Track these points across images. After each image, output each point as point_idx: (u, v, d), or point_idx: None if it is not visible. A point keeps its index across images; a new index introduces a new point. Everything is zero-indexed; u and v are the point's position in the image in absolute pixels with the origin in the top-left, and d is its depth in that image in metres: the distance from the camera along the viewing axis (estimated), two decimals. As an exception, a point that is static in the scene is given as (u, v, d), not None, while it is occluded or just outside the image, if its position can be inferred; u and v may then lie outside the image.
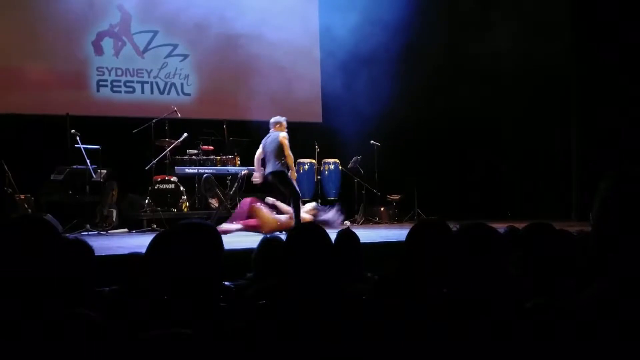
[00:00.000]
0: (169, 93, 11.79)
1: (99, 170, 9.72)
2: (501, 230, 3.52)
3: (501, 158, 13.18)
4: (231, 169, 10.86)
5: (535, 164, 12.68)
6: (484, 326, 2.11)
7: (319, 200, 11.71)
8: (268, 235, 4.02)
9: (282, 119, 9.47)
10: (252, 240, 6.40)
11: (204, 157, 10.88)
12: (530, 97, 12.36)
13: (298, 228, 2.92)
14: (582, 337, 1.69)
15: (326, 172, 11.89)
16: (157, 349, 2.05)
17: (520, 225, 3.61)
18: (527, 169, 12.83)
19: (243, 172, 10.70)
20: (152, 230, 9.60)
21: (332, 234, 3.24)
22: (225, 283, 3.51)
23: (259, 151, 9.41)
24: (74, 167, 9.64)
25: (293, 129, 12.01)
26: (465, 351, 2.11)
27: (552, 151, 12.41)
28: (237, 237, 8.40)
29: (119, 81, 11.49)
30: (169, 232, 3.05)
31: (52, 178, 9.66)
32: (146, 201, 10.15)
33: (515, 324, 2.01)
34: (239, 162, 11.00)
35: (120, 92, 11.47)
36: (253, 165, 10.97)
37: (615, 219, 1.72)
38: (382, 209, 12.06)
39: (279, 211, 9.24)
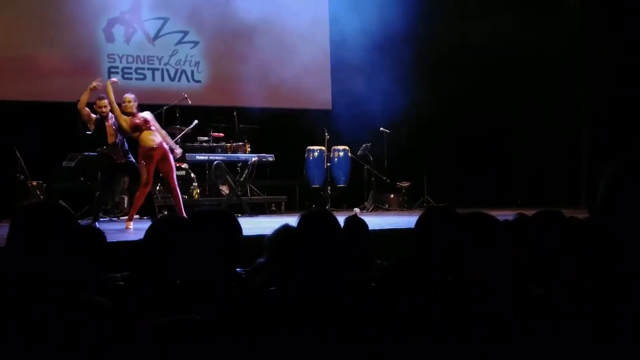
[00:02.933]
0: (179, 80, 11.81)
1: (110, 157, 9.75)
2: (511, 218, 3.54)
3: (511, 145, 13.13)
4: (241, 156, 10.89)
5: (545, 151, 12.63)
6: (486, 322, 2.12)
7: (329, 188, 11.74)
8: (288, 223, 4.01)
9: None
10: (262, 227, 6.42)
11: (215, 144, 10.93)
12: (539, 82, 12.30)
13: (308, 214, 2.92)
14: (584, 333, 1.69)
15: (336, 159, 11.89)
16: (166, 335, 2.07)
17: (529, 213, 3.62)
18: (537, 156, 12.79)
19: (253, 159, 10.73)
20: (161, 216, 9.63)
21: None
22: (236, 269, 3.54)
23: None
24: (86, 154, 9.67)
25: (303, 115, 12.07)
26: (466, 347, 2.12)
27: (561, 137, 12.36)
28: (249, 224, 8.42)
29: (130, 68, 11.52)
30: (167, 219, 3.08)
31: (63, 165, 9.70)
32: (157, 188, 10.19)
33: (518, 316, 2.02)
34: (249, 149, 11.03)
35: (131, 79, 11.49)
36: (264, 152, 11.03)
37: (619, 208, 1.68)
38: (392, 196, 12.06)
39: None
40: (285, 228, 3.89)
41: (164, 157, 8.37)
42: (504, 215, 4.23)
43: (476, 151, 12.92)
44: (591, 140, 11.54)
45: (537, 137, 12.65)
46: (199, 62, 11.95)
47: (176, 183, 8.61)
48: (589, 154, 11.55)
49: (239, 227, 2.77)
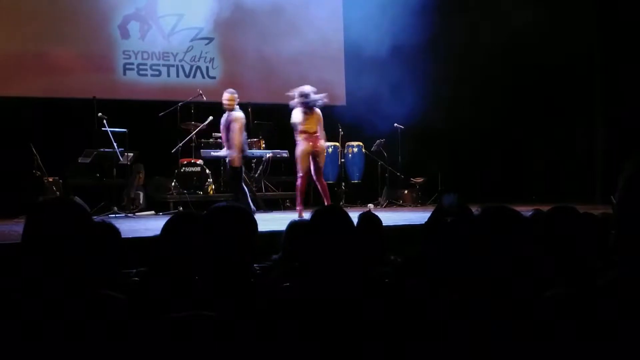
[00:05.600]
0: (194, 76, 11.84)
1: (125, 154, 9.80)
2: (527, 214, 3.52)
3: (526, 141, 13.08)
4: (256, 152, 10.90)
5: (559, 147, 12.58)
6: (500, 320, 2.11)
7: (343, 183, 11.72)
8: (296, 219, 4.03)
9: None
10: (278, 223, 6.43)
11: (229, 141, 10.93)
12: (555, 78, 12.25)
13: (321, 210, 2.93)
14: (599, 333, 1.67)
15: (350, 155, 11.89)
16: (179, 331, 2.08)
17: (544, 209, 3.60)
18: (551, 152, 12.74)
19: (268, 155, 10.74)
20: (176, 212, 9.66)
21: (354, 217, 3.24)
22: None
23: None
24: (101, 150, 9.74)
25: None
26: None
27: (576, 133, 12.31)
28: (263, 220, 8.43)
29: (145, 64, 11.55)
30: (185, 214, 3.10)
31: (79, 161, 9.77)
32: (172, 184, 10.25)
33: (534, 311, 2.01)
34: (263, 145, 11.05)
35: (146, 75, 11.53)
36: (278, 149, 11.05)
37: (638, 200, 1.66)
38: (406, 191, 12.05)
39: None
40: (293, 224, 3.90)
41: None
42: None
43: (491, 147, 12.88)
44: (607, 136, 11.49)
45: (552, 133, 12.60)
46: (213, 59, 11.97)
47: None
48: (604, 149, 11.49)
49: (254, 222, 2.78)
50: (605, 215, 4.14)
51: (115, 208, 9.46)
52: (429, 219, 3.04)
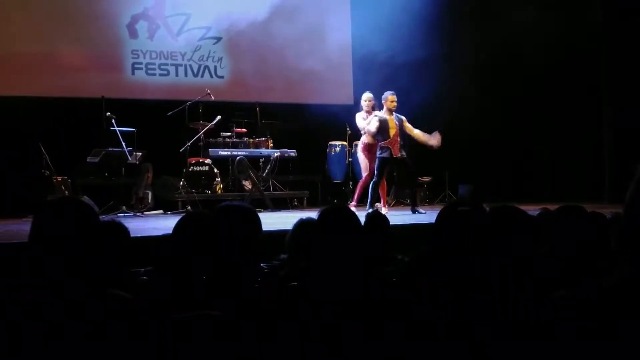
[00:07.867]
0: (202, 76, 11.86)
1: (134, 153, 9.82)
2: (535, 213, 3.52)
3: (533, 140, 13.05)
4: (264, 151, 10.91)
5: (568, 145, 12.54)
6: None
7: (350, 183, 11.72)
8: (303, 217, 4.03)
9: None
10: (285, 222, 6.43)
11: (237, 140, 10.96)
12: (561, 76, 12.22)
13: (329, 210, 2.94)
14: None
15: (357, 155, 11.87)
16: (186, 330, 2.09)
17: (553, 208, 3.59)
18: (560, 151, 12.70)
19: (276, 155, 10.75)
20: (187, 212, 9.68)
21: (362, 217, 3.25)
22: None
23: None
24: (110, 149, 9.76)
25: (325, 111, 12.08)
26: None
27: (584, 132, 12.27)
28: (271, 219, 8.44)
29: (154, 64, 11.58)
30: (196, 214, 3.11)
31: (88, 160, 9.79)
32: (181, 183, 10.26)
33: (539, 314, 2.01)
34: (271, 144, 11.05)
35: (154, 74, 11.56)
36: (286, 148, 11.06)
37: None
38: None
39: None
40: (301, 223, 3.90)
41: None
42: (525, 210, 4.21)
43: (498, 146, 12.86)
44: (615, 135, 11.45)
45: (560, 132, 12.57)
46: (221, 58, 11.99)
47: (374, 176, 9.44)
48: (612, 149, 11.46)
49: (258, 221, 2.79)
50: (616, 215, 4.13)
51: (124, 207, 9.48)
52: (441, 211, 3.03)
